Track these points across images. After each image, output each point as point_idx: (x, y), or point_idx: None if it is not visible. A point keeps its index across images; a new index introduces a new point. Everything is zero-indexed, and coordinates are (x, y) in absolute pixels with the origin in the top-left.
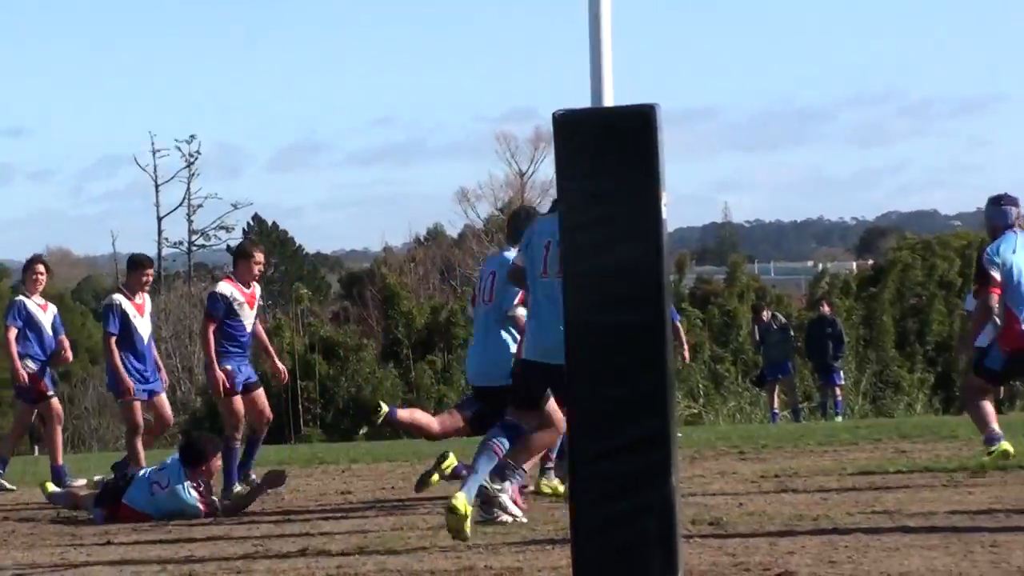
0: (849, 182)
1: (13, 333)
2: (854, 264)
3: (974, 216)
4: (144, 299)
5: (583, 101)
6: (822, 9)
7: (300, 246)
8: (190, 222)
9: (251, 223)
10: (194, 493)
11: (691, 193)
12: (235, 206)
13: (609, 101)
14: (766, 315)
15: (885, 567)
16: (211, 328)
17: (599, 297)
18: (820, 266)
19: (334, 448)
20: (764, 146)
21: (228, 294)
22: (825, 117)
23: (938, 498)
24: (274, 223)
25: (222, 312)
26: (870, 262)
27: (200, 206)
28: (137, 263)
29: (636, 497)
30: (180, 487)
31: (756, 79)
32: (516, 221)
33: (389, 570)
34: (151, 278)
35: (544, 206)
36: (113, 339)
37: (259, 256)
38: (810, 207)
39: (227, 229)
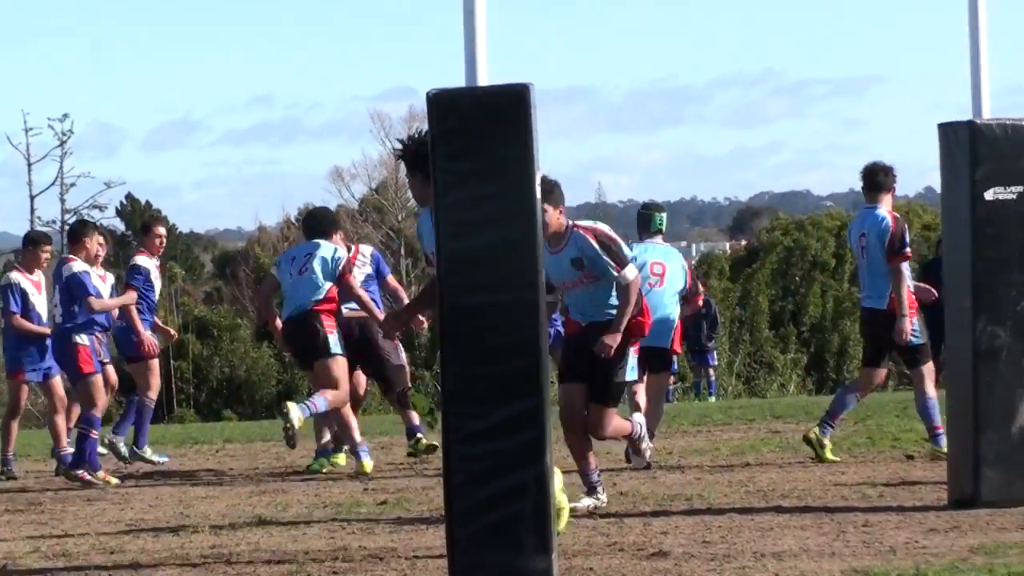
0: (723, 162)
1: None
2: (727, 244)
3: (846, 197)
4: (40, 277)
5: (461, 81)
6: None
7: (173, 225)
8: (63, 201)
9: (124, 202)
10: None
11: (566, 173)
12: (108, 185)
13: (484, 80)
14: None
15: (759, 547)
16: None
17: (474, 277)
18: (694, 246)
19: (207, 428)
20: (640, 127)
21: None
22: (702, 98)
23: (811, 478)
24: (147, 202)
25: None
26: (743, 242)
27: (73, 185)
28: (35, 240)
29: (510, 477)
30: None
31: (634, 60)
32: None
33: (263, 549)
34: (49, 255)
35: None
36: (15, 317)
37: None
38: (684, 187)
39: (100, 208)
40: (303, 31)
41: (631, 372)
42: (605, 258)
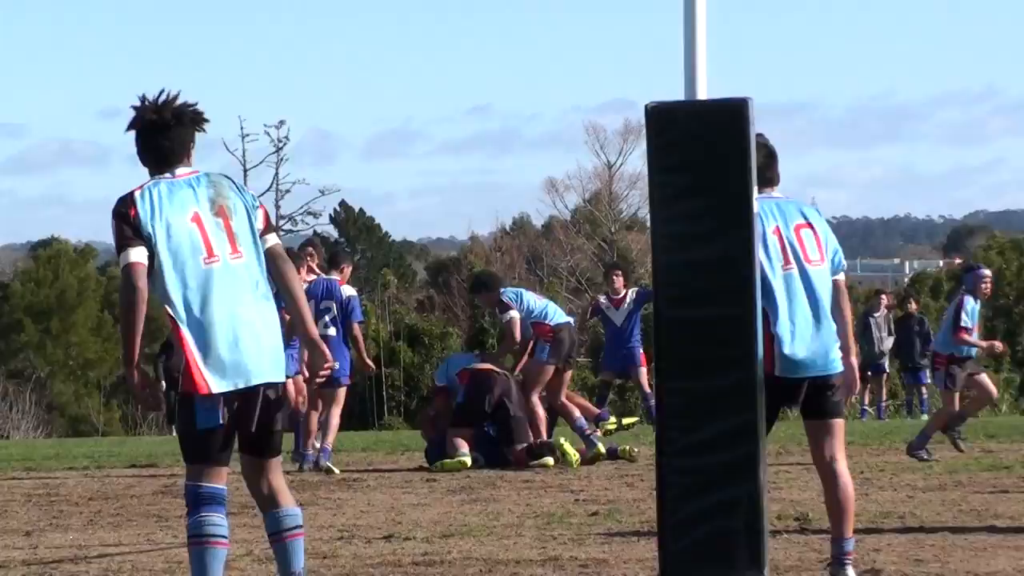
0: (940, 180)
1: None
2: (940, 262)
3: None
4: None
5: (679, 95)
6: (923, 6)
7: (387, 233)
8: (278, 207)
9: (338, 209)
10: None
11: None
12: (322, 192)
13: (703, 94)
14: (913, 308)
15: (971, 566)
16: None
17: (689, 290)
18: (907, 264)
19: (417, 436)
20: (857, 143)
21: None
22: (920, 115)
23: None
24: (360, 209)
25: None
26: (957, 261)
27: (288, 191)
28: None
29: (723, 491)
30: None
31: (853, 76)
32: None
33: (474, 558)
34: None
35: (631, 198)
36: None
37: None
38: (898, 205)
39: (314, 215)
40: (522, 42)
41: None
42: None
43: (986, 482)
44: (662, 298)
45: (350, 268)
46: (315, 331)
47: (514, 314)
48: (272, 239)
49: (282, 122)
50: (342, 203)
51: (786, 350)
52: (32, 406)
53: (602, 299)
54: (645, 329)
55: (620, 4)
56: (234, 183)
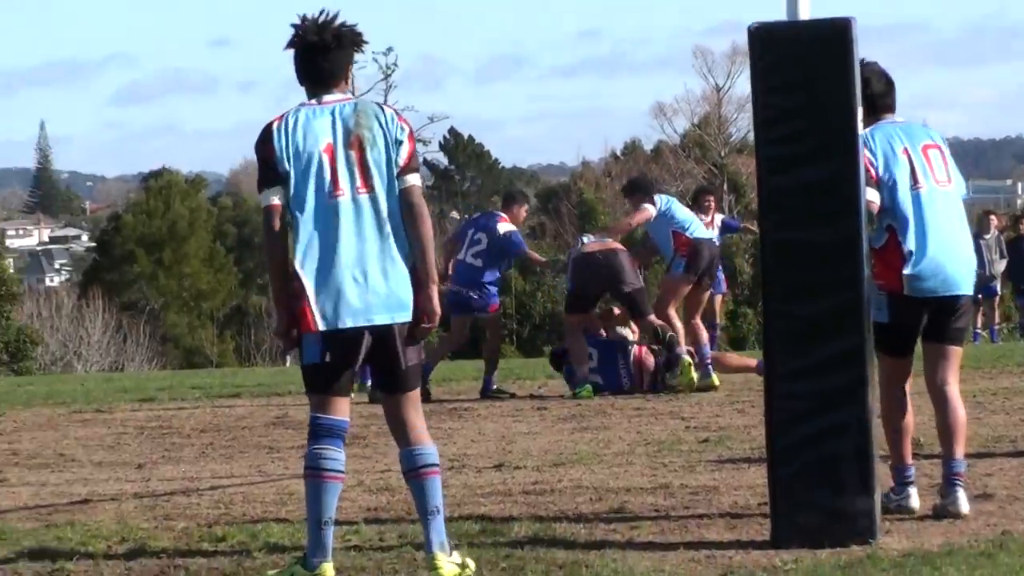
0: None
1: None
2: None
3: None
4: None
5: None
6: None
7: (496, 160)
8: None
9: (447, 136)
10: None
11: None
12: (431, 119)
13: (805, 14)
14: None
15: None
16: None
17: (794, 213)
18: (1020, 185)
19: (529, 364)
20: (968, 63)
21: None
22: None
23: None
24: (470, 136)
25: None
26: None
27: None
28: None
29: (831, 416)
30: None
31: None
32: None
33: (584, 486)
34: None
35: (740, 122)
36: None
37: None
38: (1010, 125)
39: (424, 142)
40: None
41: None
42: None
43: None
44: (768, 221)
45: (520, 209)
46: (430, 278)
47: (649, 208)
48: (411, 179)
49: (390, 49)
50: (451, 130)
51: (914, 269)
52: (146, 338)
53: None
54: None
55: None
56: (383, 113)
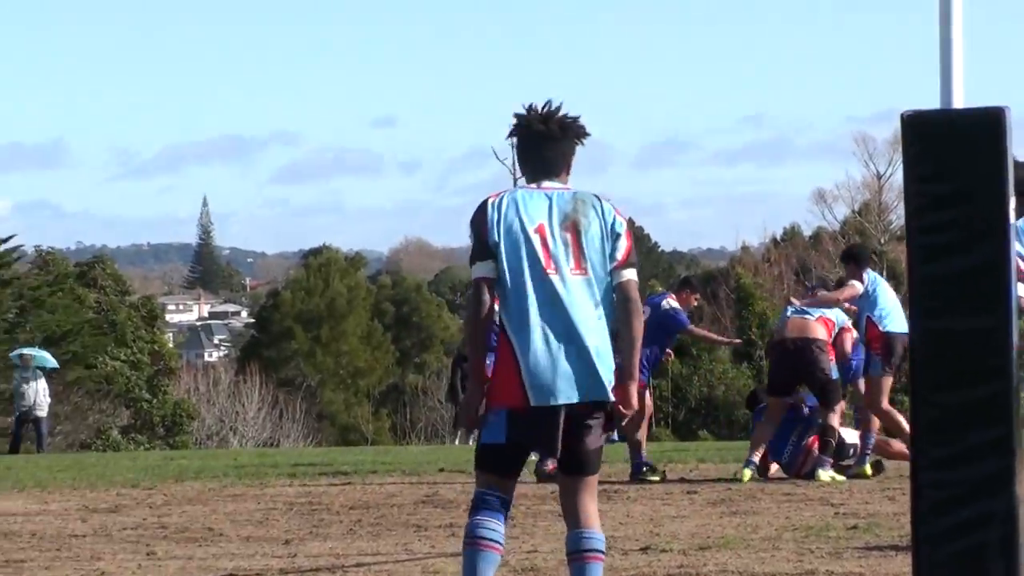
0: None
1: None
2: None
3: None
4: None
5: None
6: None
7: (656, 243)
8: None
9: None
10: None
11: None
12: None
13: (959, 103)
14: None
15: None
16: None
17: (944, 301)
18: None
19: (682, 447)
20: None
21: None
22: None
23: None
24: (630, 219)
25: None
26: None
27: None
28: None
29: (978, 505)
30: None
31: None
32: None
33: (730, 571)
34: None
35: (900, 209)
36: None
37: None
38: None
39: None
40: (794, 52)
41: None
42: None
43: None
44: (918, 308)
45: (690, 296)
46: (632, 374)
47: (857, 285)
48: (627, 274)
49: None
50: None
51: None
52: (302, 414)
53: None
54: None
55: (890, 13)
56: (601, 205)
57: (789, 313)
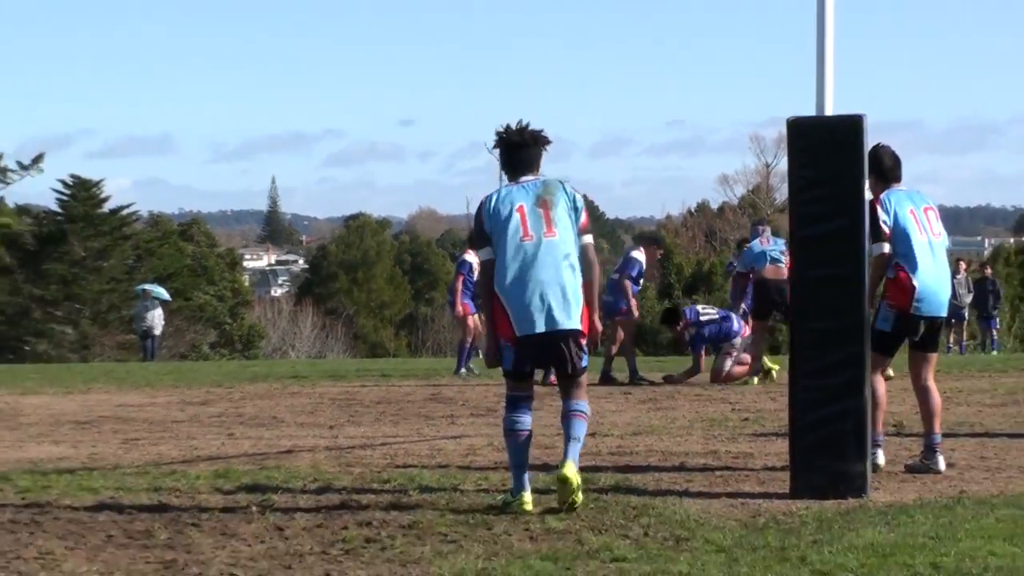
0: (1014, 179)
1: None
2: (1012, 240)
3: None
4: None
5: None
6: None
7: (603, 212)
8: None
9: None
10: None
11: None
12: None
13: (829, 111)
14: (988, 272)
15: (1022, 462)
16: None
17: (817, 255)
18: (987, 241)
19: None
20: (952, 151)
21: None
22: (1000, 130)
23: None
24: (584, 195)
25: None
26: None
27: None
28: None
29: (839, 404)
30: None
31: (949, 99)
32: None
33: (654, 450)
34: None
35: (783, 189)
36: (462, 277)
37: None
38: (980, 196)
39: None
40: (707, 71)
41: None
42: None
43: None
44: (798, 261)
45: (655, 249)
46: (595, 306)
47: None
48: (587, 239)
49: None
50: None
51: (920, 295)
52: (342, 335)
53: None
54: None
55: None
56: (564, 188)
57: (769, 260)
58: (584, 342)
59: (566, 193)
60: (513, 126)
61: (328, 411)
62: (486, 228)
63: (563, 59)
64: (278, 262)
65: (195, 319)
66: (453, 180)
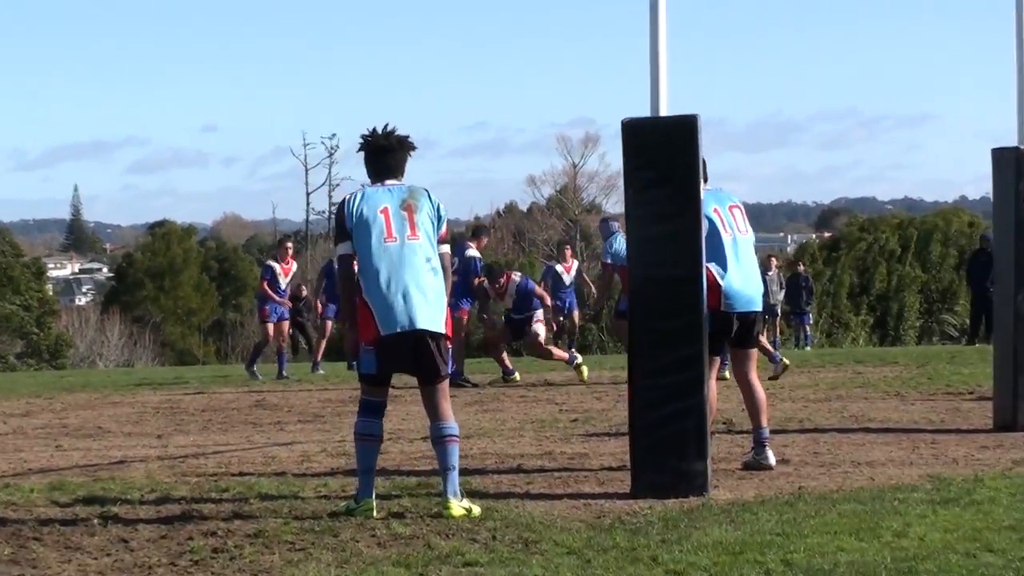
0: (814, 175)
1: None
2: (813, 235)
3: (903, 202)
4: (291, 264)
5: (628, 110)
6: (803, 44)
7: None
8: (331, 197)
9: None
10: None
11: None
12: (364, 187)
13: (664, 111)
14: (800, 268)
15: (855, 457)
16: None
17: (654, 255)
18: (789, 237)
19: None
20: (753, 149)
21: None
22: (801, 128)
23: (888, 407)
24: None
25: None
26: (827, 234)
27: (338, 185)
28: (280, 241)
29: (677, 403)
30: None
31: (750, 98)
32: None
33: (489, 453)
34: (290, 250)
35: (589, 190)
36: (265, 282)
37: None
38: (783, 193)
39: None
40: (514, 68)
41: None
42: None
43: (858, 396)
44: (635, 262)
45: (483, 239)
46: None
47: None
48: (444, 248)
49: (334, 134)
50: None
51: (728, 292)
52: (150, 343)
53: (557, 266)
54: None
55: (587, 40)
56: (429, 196)
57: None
58: (449, 346)
59: (431, 201)
60: (379, 130)
61: (153, 420)
62: (347, 226)
63: (364, 63)
64: (82, 270)
65: (1, 330)
66: (257, 186)
